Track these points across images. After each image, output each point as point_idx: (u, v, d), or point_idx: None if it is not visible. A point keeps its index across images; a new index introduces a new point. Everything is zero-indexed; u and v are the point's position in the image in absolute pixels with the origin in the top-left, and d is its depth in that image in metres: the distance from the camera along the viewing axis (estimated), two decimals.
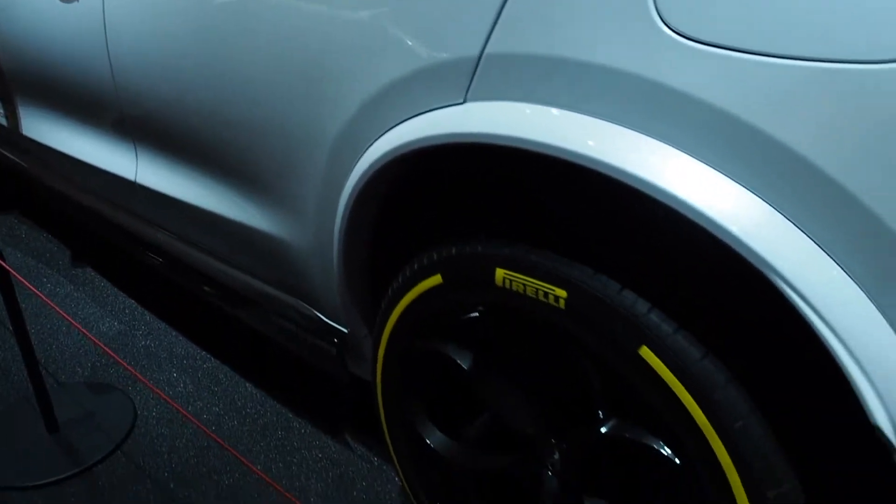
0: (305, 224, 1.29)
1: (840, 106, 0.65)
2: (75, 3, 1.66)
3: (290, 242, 1.34)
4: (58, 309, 1.63)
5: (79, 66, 1.75)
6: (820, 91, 0.66)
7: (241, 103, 1.30)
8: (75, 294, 2.27)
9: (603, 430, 0.97)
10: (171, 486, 1.57)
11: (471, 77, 0.91)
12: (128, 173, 1.74)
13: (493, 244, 0.98)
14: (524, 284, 0.94)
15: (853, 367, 0.69)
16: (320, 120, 1.14)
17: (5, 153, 2.42)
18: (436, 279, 1.06)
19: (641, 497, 1.04)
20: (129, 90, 1.61)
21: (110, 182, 1.82)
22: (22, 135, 2.15)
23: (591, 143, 0.81)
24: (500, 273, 0.97)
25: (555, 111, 0.85)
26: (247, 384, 1.86)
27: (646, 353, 0.85)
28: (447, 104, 0.94)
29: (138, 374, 1.46)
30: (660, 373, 0.85)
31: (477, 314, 1.06)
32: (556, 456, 1.09)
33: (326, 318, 1.39)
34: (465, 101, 0.92)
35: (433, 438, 1.22)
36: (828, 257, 0.70)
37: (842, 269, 0.69)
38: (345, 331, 1.37)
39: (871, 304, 0.69)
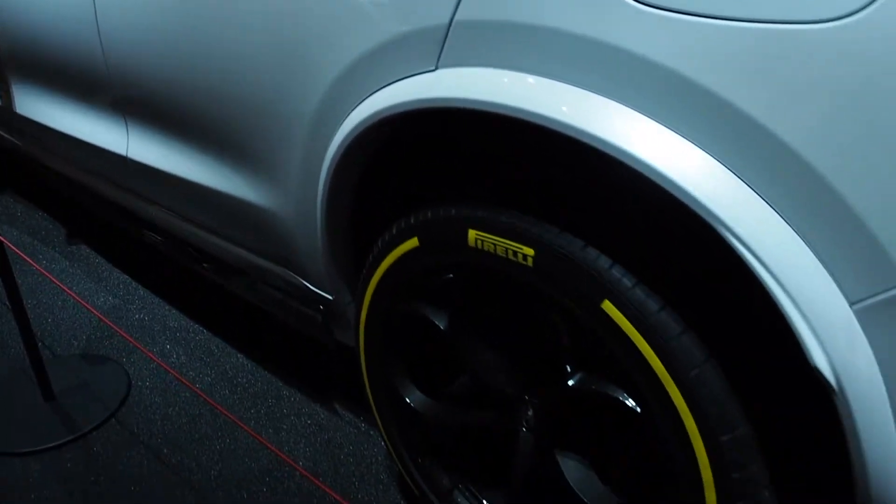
0: (290, 193, 1.33)
1: (781, 64, 0.69)
2: None
3: (276, 212, 1.38)
4: (56, 281, 1.68)
5: (70, 43, 1.78)
6: (761, 51, 0.70)
7: (225, 78, 1.33)
8: (70, 270, 2.31)
9: (571, 382, 1.02)
10: (164, 451, 1.62)
11: (441, 45, 0.94)
12: (119, 148, 1.77)
13: (465, 207, 1.02)
14: (494, 244, 0.99)
15: (793, 311, 0.74)
16: (300, 91, 1.18)
17: (0, 133, 2.46)
18: (413, 242, 1.10)
19: (609, 449, 1.09)
20: (119, 67, 1.64)
21: (103, 158, 1.86)
22: (16, 113, 2.18)
23: (552, 104, 0.84)
24: (472, 234, 1.01)
25: (520, 76, 0.89)
26: (238, 355, 1.91)
27: (608, 306, 0.90)
28: (420, 71, 0.98)
29: (135, 342, 1.51)
30: (621, 325, 0.89)
31: (452, 275, 1.10)
32: (531, 413, 1.14)
33: (312, 285, 1.44)
34: (436, 69, 0.96)
35: (413, 398, 1.27)
36: (773, 211, 0.74)
37: (786, 223, 0.74)
38: (329, 298, 1.41)
39: (811, 253, 0.73)
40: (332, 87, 1.11)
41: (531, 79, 0.86)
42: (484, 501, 1.28)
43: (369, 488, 1.50)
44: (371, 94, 1.05)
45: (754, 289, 0.77)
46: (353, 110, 1.09)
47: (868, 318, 0.73)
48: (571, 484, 1.09)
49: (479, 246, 1.01)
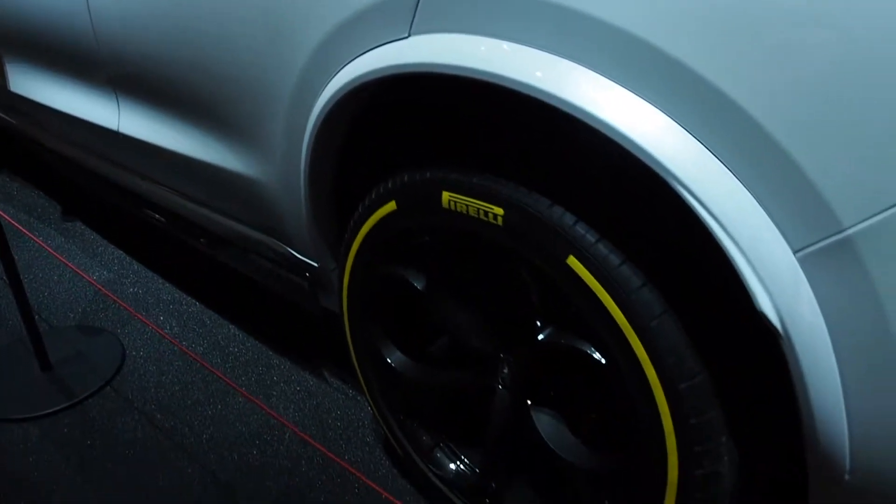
0: (274, 162, 1.37)
1: (717, 16, 0.73)
2: None
3: (262, 181, 1.42)
4: (55, 253, 1.71)
5: (61, 21, 1.81)
6: (698, 5, 0.73)
7: (209, 52, 1.37)
8: (66, 246, 2.35)
9: (541, 337, 1.06)
10: (158, 416, 1.67)
11: (413, 12, 0.98)
12: (111, 123, 1.81)
13: (439, 170, 1.06)
14: (467, 205, 1.03)
15: (740, 258, 0.78)
16: (281, 63, 1.22)
17: None
18: (391, 206, 1.14)
19: (580, 403, 1.14)
20: (109, 43, 1.67)
21: (96, 133, 1.90)
22: (10, 91, 2.22)
23: (525, 69, 0.88)
24: (445, 196, 1.05)
25: (492, 42, 0.92)
26: (230, 326, 1.95)
27: (573, 261, 0.94)
28: (393, 39, 1.01)
29: (131, 310, 1.55)
30: (585, 279, 0.94)
31: (428, 237, 1.14)
32: (506, 371, 1.19)
33: (298, 253, 1.48)
34: (409, 36, 1.00)
35: (395, 359, 1.32)
36: (720, 163, 0.78)
37: (733, 174, 0.77)
38: (315, 265, 1.46)
39: (756, 203, 0.77)
40: (311, 58, 1.14)
41: (506, 45, 0.90)
42: (462, 457, 1.34)
43: (356, 450, 1.55)
44: (347, 64, 1.08)
45: (710, 242, 0.82)
46: (331, 80, 1.12)
47: (810, 265, 0.77)
48: (544, 437, 1.14)
49: (453, 207, 1.05)
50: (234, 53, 1.31)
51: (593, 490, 1.14)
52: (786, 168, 0.73)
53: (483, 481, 1.27)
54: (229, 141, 1.47)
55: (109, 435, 1.63)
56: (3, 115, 2.45)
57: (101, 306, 2.05)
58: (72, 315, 2.03)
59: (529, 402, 1.16)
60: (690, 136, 0.78)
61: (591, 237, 0.92)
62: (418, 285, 1.19)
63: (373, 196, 1.18)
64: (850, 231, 0.73)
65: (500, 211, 0.99)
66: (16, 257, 1.75)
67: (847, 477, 0.86)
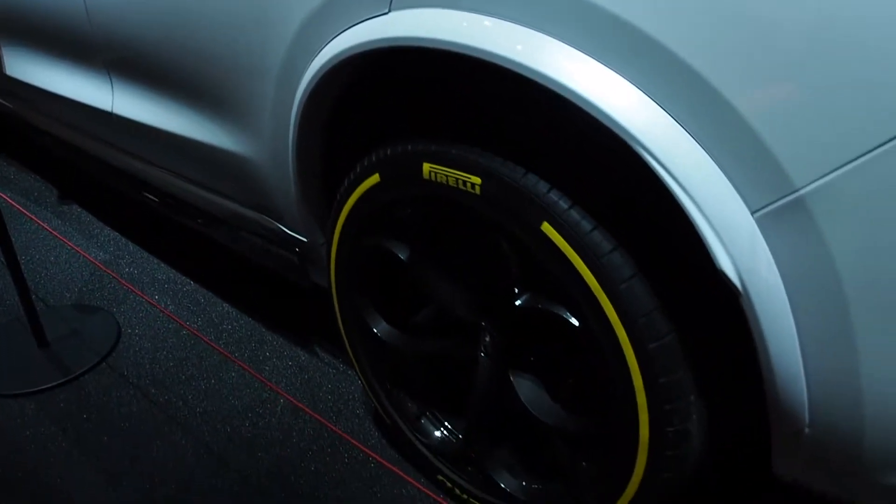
0: (264, 140, 1.40)
1: None
2: None
3: (252, 158, 1.46)
4: (54, 232, 1.75)
5: (56, 4, 1.84)
6: None
7: (200, 33, 1.40)
8: (63, 228, 2.39)
9: (518, 303, 1.10)
10: (153, 391, 1.71)
11: None
12: (105, 105, 1.84)
13: (419, 142, 1.09)
14: (446, 175, 1.06)
15: (700, 219, 0.82)
16: (267, 42, 1.25)
17: None
18: (374, 178, 1.18)
19: (558, 369, 1.18)
20: (103, 26, 1.71)
21: (90, 115, 1.93)
22: (6, 75, 2.25)
23: (504, 44, 0.91)
24: (426, 167, 1.09)
25: (466, 16, 0.96)
26: (224, 304, 1.99)
27: (546, 228, 0.98)
28: (374, 15, 1.05)
29: (129, 285, 1.58)
30: (558, 244, 0.97)
31: (410, 208, 1.18)
32: (488, 339, 1.23)
33: (288, 229, 1.52)
34: (389, 11, 1.03)
35: (382, 330, 1.36)
36: (681, 127, 0.81)
37: (693, 138, 0.81)
38: (304, 240, 1.49)
39: (715, 165, 0.81)
40: (295, 37, 1.18)
41: (487, 21, 0.93)
42: (447, 423, 1.38)
43: (346, 421, 1.60)
44: (330, 41, 1.12)
45: (676, 206, 0.85)
46: (314, 57, 1.16)
47: (767, 226, 0.80)
48: (525, 402, 1.18)
49: (433, 178, 1.08)
50: (223, 35, 1.34)
51: (571, 452, 1.19)
52: (742, 131, 0.77)
53: (466, 448, 1.32)
54: (220, 120, 1.50)
55: (105, 409, 1.67)
56: (0, 100, 2.48)
57: (97, 286, 2.09)
58: (68, 295, 2.07)
59: (510, 368, 1.20)
60: (654, 103, 0.81)
61: (563, 204, 0.96)
62: (402, 256, 1.23)
63: (357, 170, 1.21)
64: (802, 191, 0.77)
65: (477, 180, 1.03)
66: (13, 239, 1.79)
67: (807, 430, 0.90)
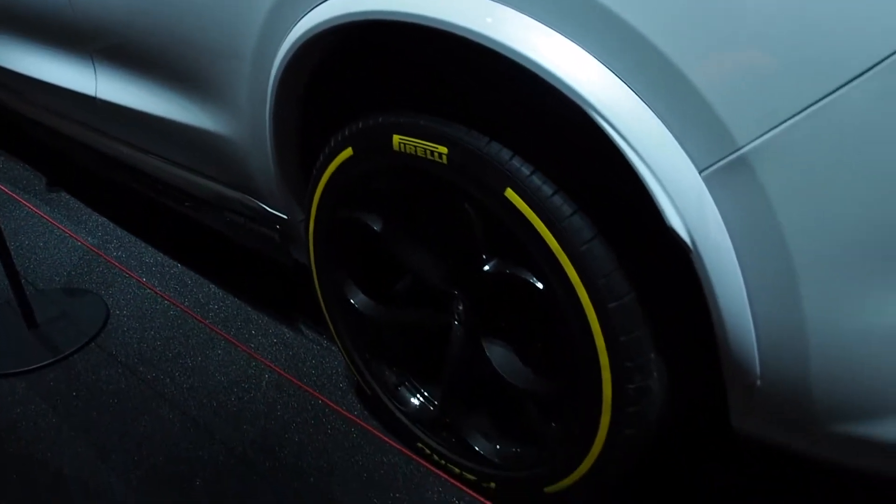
0: (243, 119, 1.43)
1: None
2: None
3: (233, 139, 1.49)
4: (45, 216, 1.78)
5: None
6: None
7: (178, 16, 1.43)
8: (52, 214, 2.41)
9: (486, 268, 1.14)
10: (140, 369, 1.75)
11: None
12: (89, 90, 1.87)
13: (389, 115, 1.13)
14: (415, 146, 1.10)
15: (650, 178, 0.86)
16: (241, 24, 1.29)
17: None
18: (348, 152, 1.21)
19: (528, 334, 1.22)
20: (85, 11, 1.73)
21: (75, 100, 1.96)
22: None
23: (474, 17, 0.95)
24: (396, 139, 1.12)
25: None
26: (210, 285, 2.03)
27: (510, 194, 1.02)
28: None
29: (119, 265, 1.62)
30: (521, 209, 1.01)
31: (382, 180, 1.22)
32: (461, 307, 1.27)
33: (268, 207, 1.55)
34: None
35: (359, 301, 1.39)
36: (630, 90, 0.85)
37: (641, 100, 0.85)
38: (285, 217, 1.53)
39: (663, 126, 0.84)
40: (267, 18, 1.22)
41: None
42: (424, 391, 1.42)
43: (329, 394, 1.64)
44: (301, 19, 1.15)
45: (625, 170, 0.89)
46: (287, 35, 1.19)
47: (714, 184, 0.84)
48: (496, 367, 1.22)
49: (403, 149, 1.12)
50: (199, 16, 1.38)
51: (541, 414, 1.23)
52: (688, 93, 0.80)
53: (442, 414, 1.36)
54: (200, 101, 1.53)
55: (93, 387, 1.70)
56: None
57: (85, 269, 2.12)
58: (58, 278, 2.10)
59: (483, 335, 1.24)
60: (606, 69, 0.85)
61: (525, 170, 1.00)
62: (376, 228, 1.27)
63: (332, 144, 1.25)
64: (744, 149, 0.81)
65: (444, 150, 1.06)
66: (4, 225, 1.82)
67: (759, 383, 0.94)
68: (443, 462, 1.39)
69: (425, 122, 1.08)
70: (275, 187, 1.46)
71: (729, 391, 1.00)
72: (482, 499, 1.35)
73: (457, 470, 1.36)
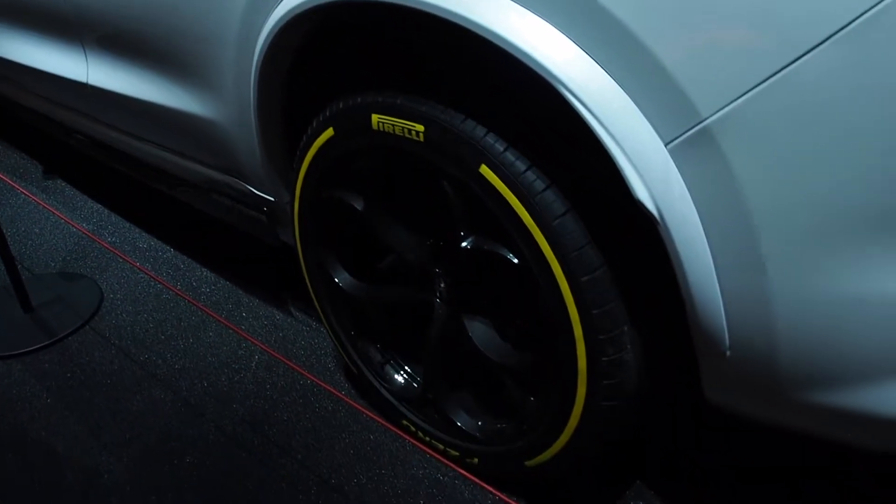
0: (229, 103, 1.45)
1: None
2: None
3: (220, 122, 1.51)
4: (42, 203, 1.80)
5: None
6: None
7: (165, 5, 1.45)
8: (48, 201, 2.44)
9: (464, 245, 1.16)
10: (133, 350, 1.77)
11: None
12: (80, 76, 1.89)
13: (368, 94, 1.15)
14: (393, 125, 1.12)
15: (617, 152, 0.87)
16: (225, 11, 1.30)
17: None
18: (329, 132, 1.23)
19: (507, 311, 1.24)
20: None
21: (68, 87, 1.98)
22: None
23: None
24: (375, 118, 1.14)
25: None
26: (202, 269, 2.05)
27: (485, 170, 1.03)
28: None
29: (113, 249, 1.64)
30: (495, 185, 1.03)
31: (363, 159, 1.24)
32: (442, 285, 1.29)
33: (255, 189, 1.57)
34: None
35: (344, 280, 1.41)
36: (597, 64, 0.87)
37: (609, 75, 0.86)
38: (272, 199, 1.55)
39: (630, 100, 0.86)
40: (248, 3, 1.23)
41: None
42: (408, 369, 1.44)
43: (318, 374, 1.66)
44: (281, 1, 1.17)
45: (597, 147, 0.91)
46: (267, 19, 1.21)
47: (679, 156, 0.86)
48: (476, 343, 1.24)
49: (381, 128, 1.14)
50: (186, 6, 1.40)
51: (521, 389, 1.25)
52: (652, 67, 0.82)
53: (426, 391, 1.38)
54: (188, 85, 1.55)
55: (87, 368, 1.73)
56: None
57: (80, 255, 2.15)
58: (53, 263, 2.13)
59: (463, 312, 1.26)
60: (575, 44, 0.87)
61: (499, 146, 1.02)
62: (358, 207, 1.29)
63: (314, 125, 1.26)
64: (707, 121, 0.82)
65: (420, 128, 1.08)
66: (0, 212, 1.84)
67: (728, 353, 0.96)
68: (427, 439, 1.41)
69: (402, 102, 1.09)
70: (261, 170, 1.48)
71: (700, 362, 1.02)
72: (466, 473, 1.38)
73: (441, 446, 1.39)
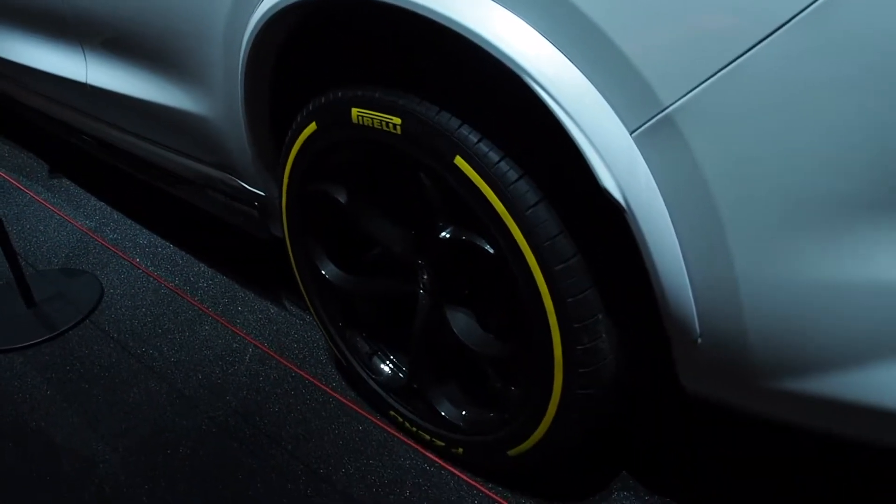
0: (218, 100, 1.48)
1: None
2: None
3: (211, 119, 1.53)
4: (44, 203, 1.84)
5: None
6: None
7: (157, 6, 1.48)
8: (52, 200, 2.49)
9: (443, 235, 1.18)
10: (131, 344, 1.80)
11: None
12: (79, 76, 1.93)
13: (347, 89, 1.17)
14: (371, 118, 1.14)
15: (583, 141, 0.88)
16: (211, 10, 1.33)
17: None
18: (312, 127, 1.25)
19: (487, 301, 1.26)
20: (74, 1, 1.79)
21: (68, 87, 2.01)
22: None
23: None
24: (354, 112, 1.16)
25: None
26: (200, 264, 2.08)
27: (459, 161, 1.05)
28: None
29: (112, 247, 1.67)
30: (470, 176, 1.05)
31: (344, 153, 1.26)
32: (425, 276, 1.30)
33: (246, 184, 1.60)
34: None
35: (330, 272, 1.44)
36: (563, 56, 0.88)
37: (575, 65, 0.88)
38: (262, 194, 1.57)
39: (596, 91, 0.87)
40: (233, 3, 1.26)
41: None
42: (394, 360, 1.46)
43: (310, 367, 1.68)
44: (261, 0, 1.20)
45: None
46: (251, 16, 1.23)
47: (644, 144, 0.87)
48: (457, 333, 1.26)
49: (360, 122, 1.16)
50: (177, 6, 1.43)
51: (502, 379, 1.26)
52: (613, 54, 0.83)
53: (411, 381, 1.40)
54: (181, 84, 1.58)
55: (87, 361, 1.76)
56: None
57: (82, 251, 2.19)
58: (55, 260, 2.17)
59: (446, 303, 1.28)
60: (542, 36, 0.88)
61: (473, 137, 1.03)
62: (342, 200, 1.31)
63: (298, 120, 1.29)
64: (669, 109, 0.83)
65: (398, 120, 1.10)
66: (6, 210, 1.88)
67: (699, 340, 0.97)
68: (414, 429, 1.43)
69: (380, 95, 1.11)
70: (251, 165, 1.51)
71: (673, 350, 1.03)
72: (450, 466, 1.40)
73: (427, 436, 1.40)
